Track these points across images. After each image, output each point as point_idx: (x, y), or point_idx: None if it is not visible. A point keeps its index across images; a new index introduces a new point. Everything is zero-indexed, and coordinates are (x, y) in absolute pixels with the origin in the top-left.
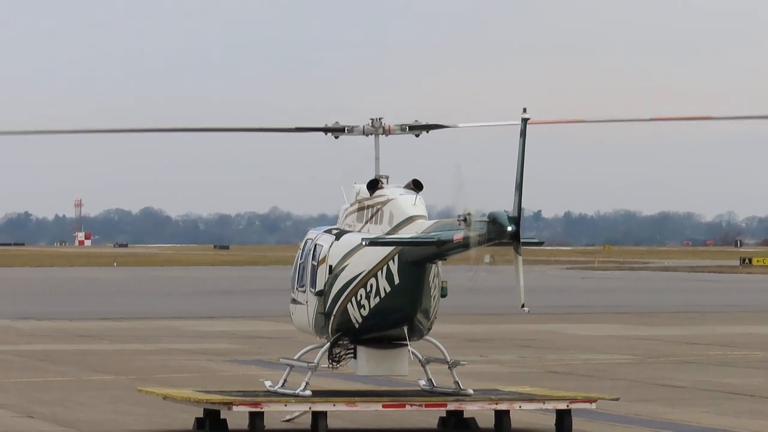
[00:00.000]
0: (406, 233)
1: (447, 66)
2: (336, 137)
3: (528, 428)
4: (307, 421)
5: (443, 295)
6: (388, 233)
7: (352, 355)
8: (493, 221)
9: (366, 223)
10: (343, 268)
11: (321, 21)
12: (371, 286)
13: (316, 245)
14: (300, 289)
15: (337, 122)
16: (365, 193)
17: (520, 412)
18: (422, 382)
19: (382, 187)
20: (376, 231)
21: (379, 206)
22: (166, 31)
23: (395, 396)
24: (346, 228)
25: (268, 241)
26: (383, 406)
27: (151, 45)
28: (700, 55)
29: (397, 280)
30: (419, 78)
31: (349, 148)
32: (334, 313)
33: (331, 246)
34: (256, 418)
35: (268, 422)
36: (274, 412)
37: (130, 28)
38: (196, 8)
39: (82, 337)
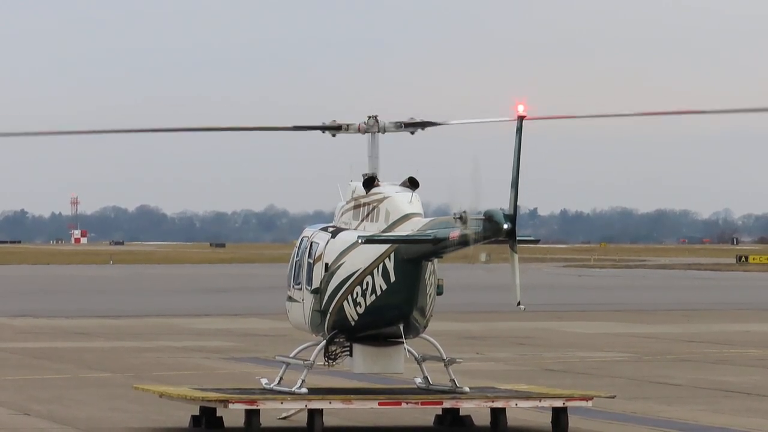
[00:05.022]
0: (402, 231)
1: (445, 65)
2: (333, 135)
3: (524, 426)
4: (303, 419)
5: (439, 293)
6: (384, 231)
7: (348, 352)
8: (489, 219)
9: (362, 220)
10: (339, 266)
11: (320, 21)
12: (367, 283)
13: (312, 243)
14: (296, 286)
15: (334, 120)
16: (361, 190)
17: (516, 410)
18: (418, 380)
19: (378, 185)
20: (372, 229)
21: (375, 204)
22: (165, 31)
23: (391, 394)
24: (342, 226)
25: (264, 238)
26: (379, 404)
27: (149, 45)
28: (698, 55)
29: (393, 278)
30: (417, 77)
31: (345, 146)
32: (330, 310)
33: (327, 244)
34: (252, 415)
35: (264, 420)
36: (270, 409)
37: (129, 28)
38: (194, 8)
39: (79, 334)
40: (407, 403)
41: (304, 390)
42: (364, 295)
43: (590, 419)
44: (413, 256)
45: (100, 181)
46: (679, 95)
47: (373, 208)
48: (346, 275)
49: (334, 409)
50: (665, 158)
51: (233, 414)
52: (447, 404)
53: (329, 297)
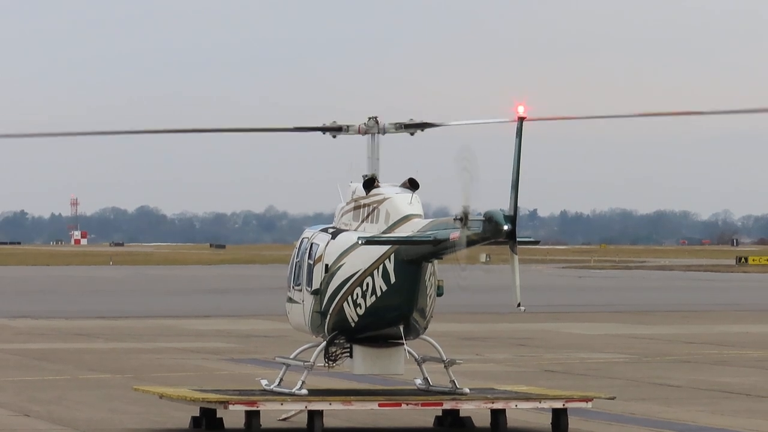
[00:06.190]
0: (402, 232)
1: (445, 65)
2: (334, 136)
3: (524, 427)
4: (303, 420)
5: (439, 294)
6: (384, 232)
7: (348, 353)
8: (489, 220)
9: (362, 221)
10: (339, 267)
11: (320, 21)
12: (367, 284)
13: (312, 244)
14: (296, 288)
15: (334, 121)
16: (361, 191)
17: (516, 411)
18: (418, 381)
19: (378, 186)
20: (372, 230)
21: (375, 205)
22: (165, 31)
23: (391, 395)
24: (343, 227)
25: (264, 239)
26: (379, 405)
27: (149, 45)
28: (698, 55)
29: (393, 279)
30: (417, 77)
31: (345, 147)
32: (330, 311)
33: (327, 245)
34: (252, 417)
35: (264, 421)
36: (270, 411)
37: (129, 28)
38: (194, 8)
39: (79, 335)
40: (407, 404)
41: (304, 391)
42: (364, 297)
43: (590, 420)
44: (413, 258)
45: (99, 182)
46: (679, 95)
47: (373, 209)
48: (346, 276)
49: (334, 411)
50: (665, 159)
51: (233, 415)
52: (447, 405)
53: (329, 298)
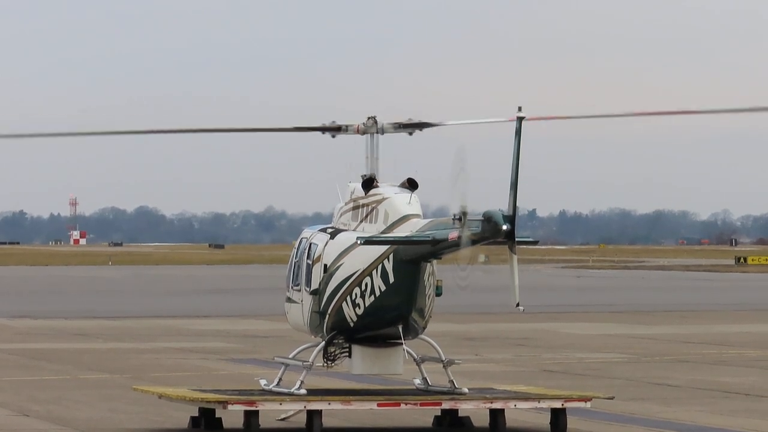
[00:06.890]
0: (401, 232)
1: (445, 66)
2: (333, 136)
3: (523, 427)
4: (302, 420)
5: (438, 294)
6: (383, 232)
7: (347, 353)
8: (488, 220)
9: (361, 221)
10: (338, 267)
11: (320, 21)
12: (366, 284)
13: (311, 244)
14: (295, 288)
15: (333, 121)
16: (360, 191)
17: (515, 411)
18: (417, 381)
19: (377, 186)
20: (371, 230)
21: (374, 205)
22: (165, 31)
23: (390, 395)
24: (341, 227)
25: (263, 240)
26: (378, 405)
27: (149, 45)
28: (698, 55)
29: (392, 279)
30: (416, 78)
31: (345, 147)
32: (329, 311)
33: (326, 245)
34: (251, 416)
35: (263, 421)
36: (269, 410)
37: (129, 28)
38: (194, 8)
39: (78, 335)
40: (406, 404)
41: (303, 391)
42: (363, 296)
43: (589, 420)
44: (412, 257)
45: (98, 182)
46: (679, 95)
47: (372, 209)
48: (345, 276)
49: (333, 410)
50: (664, 159)
51: (232, 415)
52: (446, 405)
53: (328, 298)
